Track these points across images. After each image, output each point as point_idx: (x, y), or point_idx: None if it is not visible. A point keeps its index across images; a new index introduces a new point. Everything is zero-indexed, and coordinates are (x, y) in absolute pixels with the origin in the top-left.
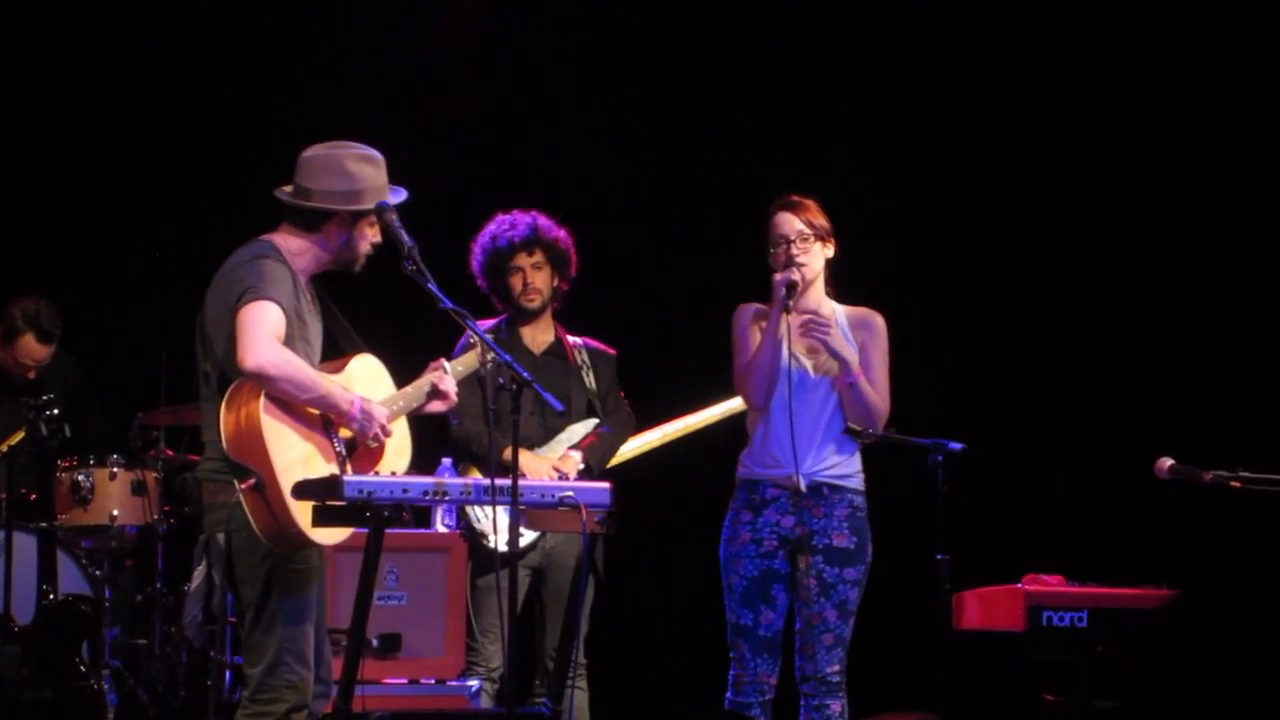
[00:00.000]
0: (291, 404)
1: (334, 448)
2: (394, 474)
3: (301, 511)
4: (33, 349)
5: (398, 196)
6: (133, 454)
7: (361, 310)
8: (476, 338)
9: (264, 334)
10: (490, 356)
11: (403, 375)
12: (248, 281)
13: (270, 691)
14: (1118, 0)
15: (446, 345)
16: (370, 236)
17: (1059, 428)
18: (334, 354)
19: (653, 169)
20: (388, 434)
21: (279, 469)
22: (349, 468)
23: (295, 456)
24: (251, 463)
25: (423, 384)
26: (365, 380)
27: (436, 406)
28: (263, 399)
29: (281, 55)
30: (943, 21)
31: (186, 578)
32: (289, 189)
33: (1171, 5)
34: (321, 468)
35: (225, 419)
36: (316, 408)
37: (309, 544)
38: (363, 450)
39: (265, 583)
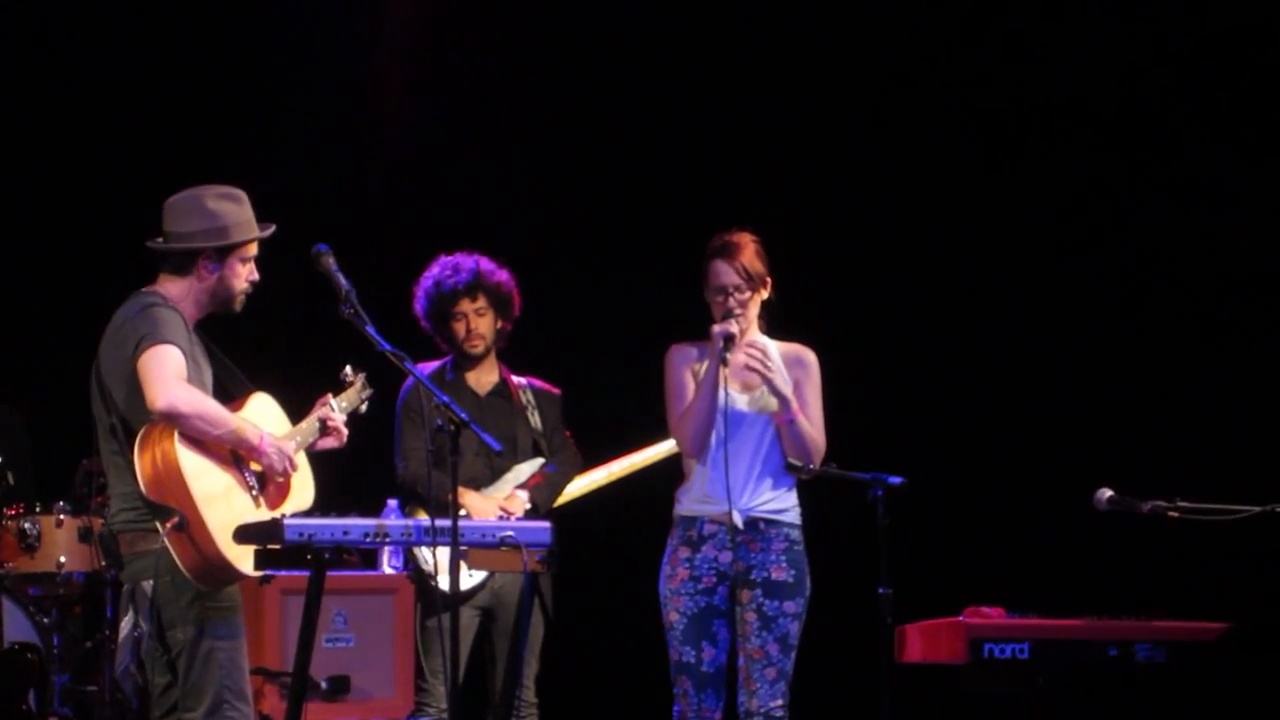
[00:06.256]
0: (204, 441)
1: (247, 481)
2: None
3: (228, 544)
4: None
5: (265, 231)
6: (79, 501)
7: (243, 350)
8: (355, 375)
9: (170, 375)
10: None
11: (291, 413)
12: (143, 329)
13: None
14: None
15: (330, 382)
16: (245, 274)
17: (997, 460)
18: (221, 398)
19: (591, 207)
20: (295, 468)
21: (201, 503)
22: (262, 501)
23: (216, 490)
24: (173, 501)
25: (314, 420)
26: (264, 418)
27: (328, 443)
28: (176, 437)
29: (220, 102)
30: (870, 54)
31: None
32: (159, 239)
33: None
34: (240, 500)
35: (141, 463)
36: (228, 443)
37: (237, 576)
38: (271, 485)
39: (197, 625)
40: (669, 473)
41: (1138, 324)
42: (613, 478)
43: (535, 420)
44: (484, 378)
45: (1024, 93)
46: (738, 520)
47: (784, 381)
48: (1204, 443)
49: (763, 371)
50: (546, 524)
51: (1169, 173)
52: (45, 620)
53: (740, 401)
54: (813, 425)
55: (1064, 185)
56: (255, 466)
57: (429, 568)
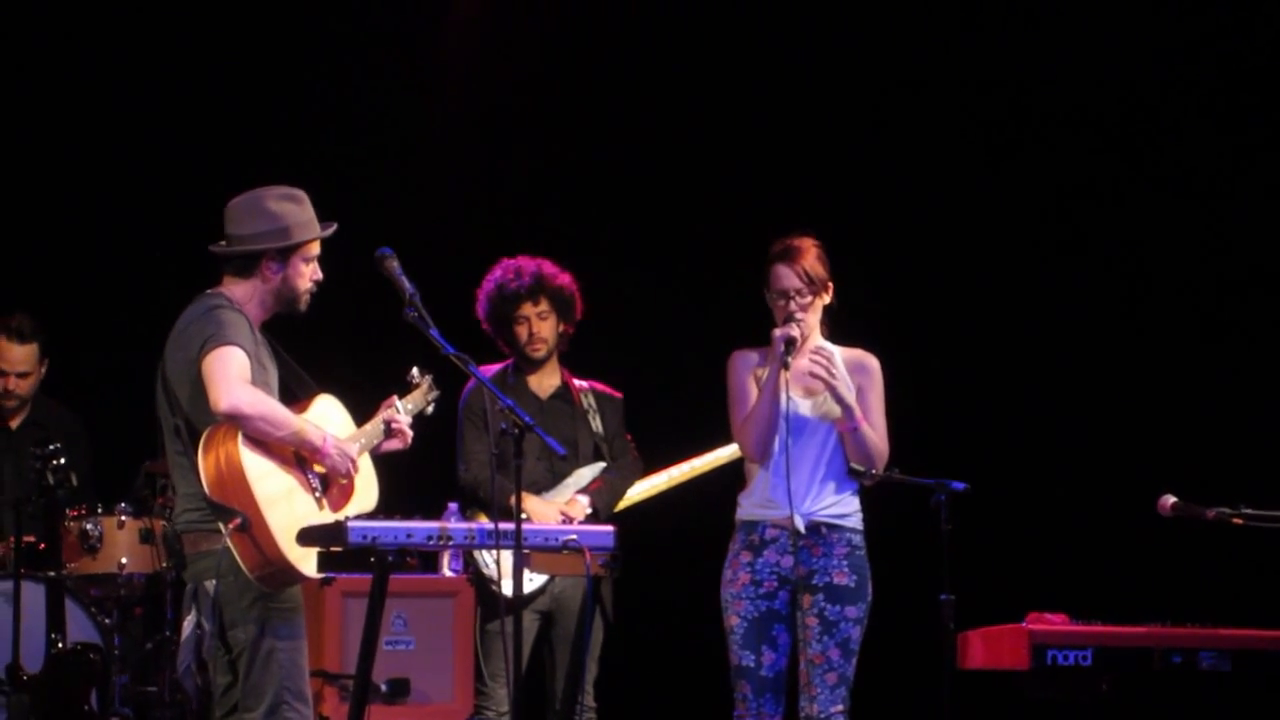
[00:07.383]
0: (267, 442)
1: (310, 483)
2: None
3: (289, 545)
4: (6, 350)
5: (327, 230)
6: (140, 502)
7: (310, 351)
8: (422, 377)
9: (233, 376)
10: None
11: (356, 415)
12: (208, 330)
13: None
14: (1102, 42)
15: (397, 384)
16: (308, 274)
17: (1061, 466)
18: (286, 399)
19: (654, 211)
20: (356, 470)
21: (263, 504)
22: (325, 503)
23: (278, 491)
24: (235, 502)
25: (379, 422)
26: (329, 420)
27: (393, 444)
28: (240, 438)
29: (281, 106)
30: (931, 60)
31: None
32: (222, 242)
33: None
34: (303, 502)
35: (204, 463)
36: (291, 444)
37: (298, 578)
38: (334, 487)
39: (258, 625)
40: (730, 477)
41: (1205, 330)
42: (674, 482)
43: (597, 424)
44: (546, 381)
45: (1080, 96)
46: (799, 525)
47: (848, 389)
48: (1270, 449)
49: (827, 379)
50: (610, 528)
51: (1227, 173)
52: (107, 621)
53: (803, 406)
54: (875, 431)
55: (1141, 192)
56: (319, 468)
57: (489, 571)
